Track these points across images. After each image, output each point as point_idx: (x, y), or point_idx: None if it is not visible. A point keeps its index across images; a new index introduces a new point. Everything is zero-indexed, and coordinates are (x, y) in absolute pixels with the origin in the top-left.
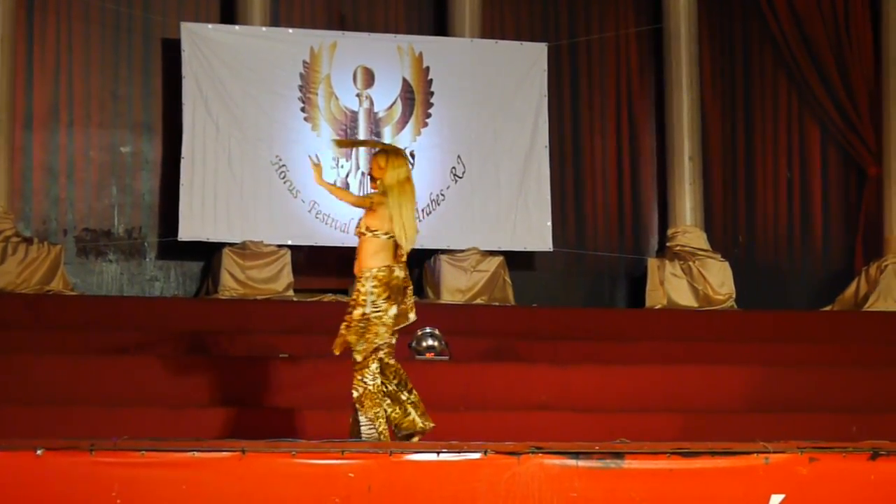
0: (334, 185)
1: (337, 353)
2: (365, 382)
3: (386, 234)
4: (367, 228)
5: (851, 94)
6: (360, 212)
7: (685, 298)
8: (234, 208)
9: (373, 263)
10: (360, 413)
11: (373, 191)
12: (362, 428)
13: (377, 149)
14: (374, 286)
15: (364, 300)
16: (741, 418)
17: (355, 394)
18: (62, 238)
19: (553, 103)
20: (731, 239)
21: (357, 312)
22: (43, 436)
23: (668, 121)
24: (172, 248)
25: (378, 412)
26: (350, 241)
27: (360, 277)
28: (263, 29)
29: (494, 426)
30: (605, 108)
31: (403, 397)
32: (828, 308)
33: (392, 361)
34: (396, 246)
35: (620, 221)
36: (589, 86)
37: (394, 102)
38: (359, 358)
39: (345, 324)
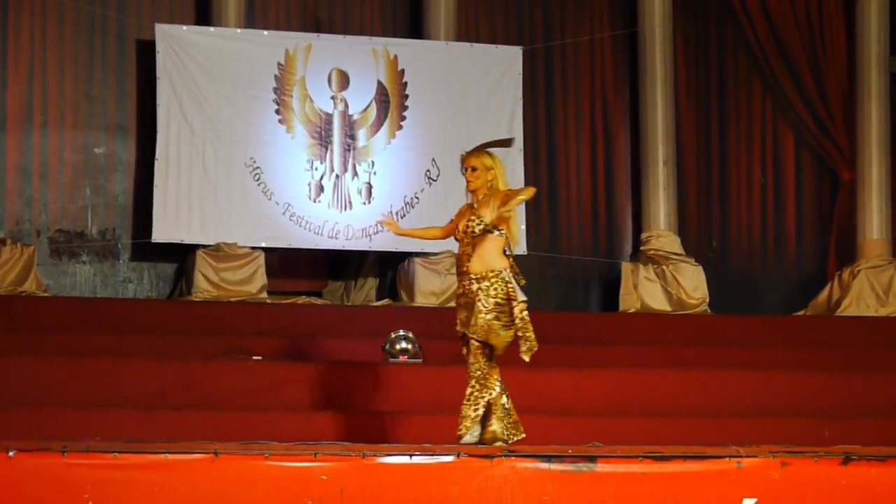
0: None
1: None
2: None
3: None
4: (496, 227)
5: (825, 100)
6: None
7: (659, 302)
8: (207, 210)
9: (502, 264)
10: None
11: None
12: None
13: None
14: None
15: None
16: (714, 422)
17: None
18: (35, 239)
19: (528, 106)
20: (705, 243)
21: (517, 309)
22: (15, 437)
23: (643, 125)
24: (146, 250)
25: None
26: (323, 243)
27: (488, 276)
28: (238, 31)
29: None
30: (580, 112)
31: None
32: (801, 313)
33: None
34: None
35: (594, 225)
36: (563, 89)
37: (368, 105)
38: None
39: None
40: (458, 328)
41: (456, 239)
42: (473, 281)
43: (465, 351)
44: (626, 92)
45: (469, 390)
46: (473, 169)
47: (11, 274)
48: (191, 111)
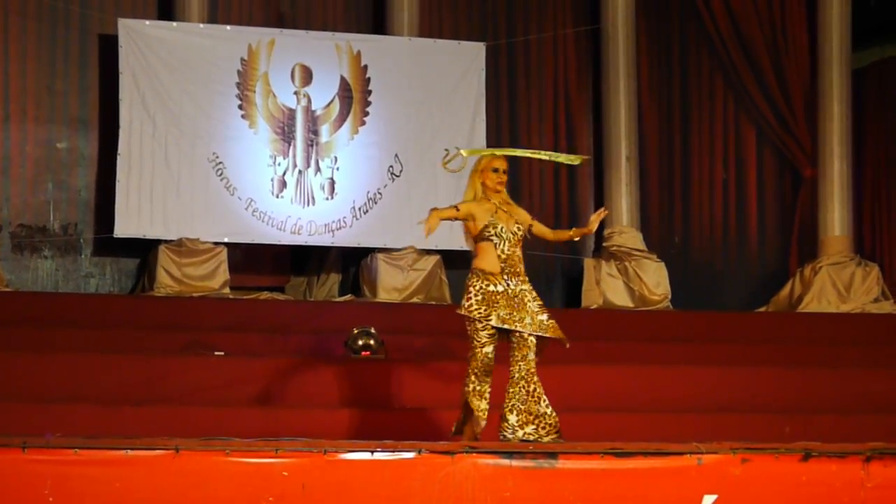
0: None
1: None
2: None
3: None
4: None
5: (787, 97)
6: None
7: (621, 299)
8: (170, 205)
9: None
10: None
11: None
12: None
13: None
14: None
15: None
16: (675, 418)
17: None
18: None
19: (491, 103)
20: (668, 239)
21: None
22: None
23: (606, 121)
24: (108, 245)
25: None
26: (286, 238)
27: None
28: (201, 26)
29: (429, 425)
30: (543, 108)
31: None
32: (762, 309)
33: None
34: None
35: (557, 221)
36: (527, 85)
37: (331, 100)
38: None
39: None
40: (499, 324)
41: (492, 236)
42: (525, 281)
43: (489, 348)
44: (589, 88)
45: (533, 387)
46: (506, 171)
47: None
48: (153, 106)
